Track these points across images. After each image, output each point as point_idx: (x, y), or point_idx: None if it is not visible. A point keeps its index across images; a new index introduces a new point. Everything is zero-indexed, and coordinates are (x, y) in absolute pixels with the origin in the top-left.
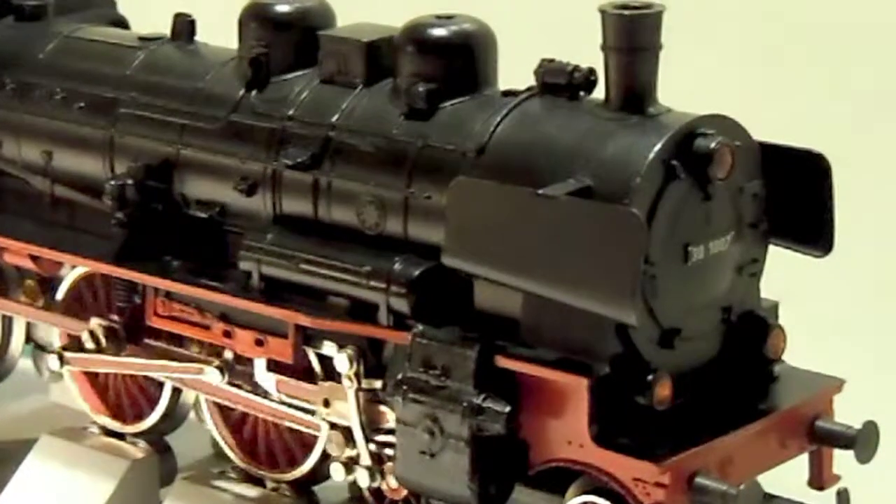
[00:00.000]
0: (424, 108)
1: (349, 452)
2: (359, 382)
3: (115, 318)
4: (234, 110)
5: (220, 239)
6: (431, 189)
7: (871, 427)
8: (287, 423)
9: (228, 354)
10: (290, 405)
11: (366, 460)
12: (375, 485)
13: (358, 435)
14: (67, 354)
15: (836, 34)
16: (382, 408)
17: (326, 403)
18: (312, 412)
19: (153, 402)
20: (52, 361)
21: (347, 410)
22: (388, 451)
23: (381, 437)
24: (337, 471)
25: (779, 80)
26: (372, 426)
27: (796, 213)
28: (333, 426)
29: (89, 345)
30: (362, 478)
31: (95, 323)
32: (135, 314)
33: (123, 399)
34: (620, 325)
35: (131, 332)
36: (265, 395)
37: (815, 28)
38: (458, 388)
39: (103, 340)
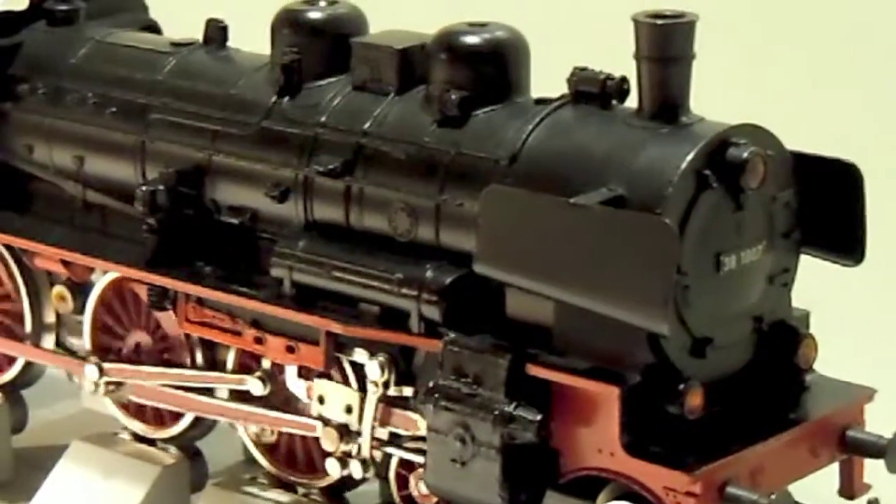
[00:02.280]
0: (457, 115)
1: (343, 447)
2: (386, 389)
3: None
4: (266, 116)
5: (252, 245)
6: (463, 197)
7: None
8: (283, 429)
9: (267, 364)
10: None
11: (366, 453)
12: (369, 475)
13: (366, 441)
14: (107, 366)
15: (870, 45)
16: (413, 415)
17: (321, 400)
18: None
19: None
20: (90, 372)
21: (343, 406)
22: (419, 458)
23: (412, 444)
24: (332, 466)
25: (812, 89)
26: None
27: (828, 222)
28: (327, 423)
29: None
30: (356, 470)
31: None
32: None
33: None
34: (652, 335)
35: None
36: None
37: (848, 39)
38: (489, 396)
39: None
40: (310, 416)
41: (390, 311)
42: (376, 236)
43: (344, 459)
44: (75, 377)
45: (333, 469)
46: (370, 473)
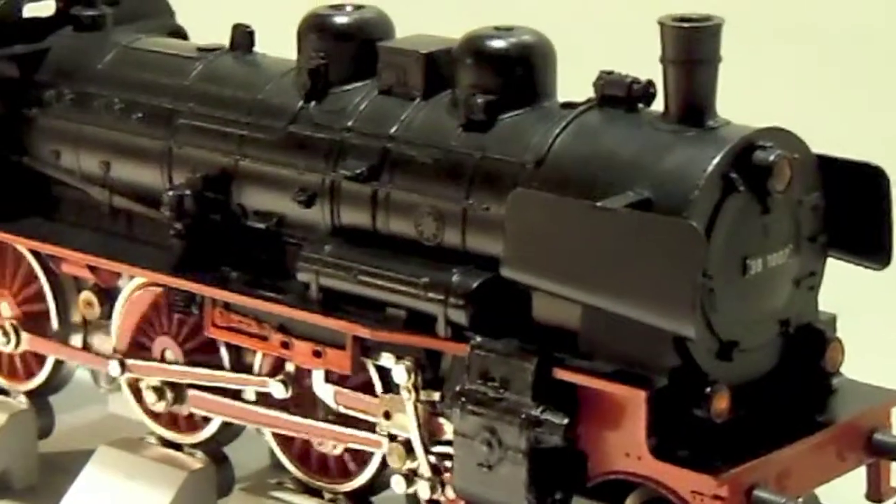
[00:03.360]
0: (483, 119)
1: (409, 465)
2: (417, 394)
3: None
4: (292, 121)
5: (279, 250)
6: (490, 201)
7: None
8: (349, 445)
9: (290, 367)
10: (347, 420)
11: (426, 472)
12: (435, 497)
13: (418, 447)
14: (129, 361)
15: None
16: (440, 419)
17: (387, 416)
18: (371, 426)
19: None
20: (112, 368)
21: (406, 422)
22: (447, 463)
23: (439, 449)
24: (398, 483)
25: (838, 92)
26: (431, 438)
27: (854, 225)
28: (393, 438)
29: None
30: (423, 490)
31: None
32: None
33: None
34: (679, 338)
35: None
36: (324, 419)
37: (876, 42)
38: (516, 399)
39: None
40: (370, 430)
41: (417, 315)
42: (403, 240)
43: (410, 477)
44: (102, 383)
45: (399, 486)
46: (438, 494)
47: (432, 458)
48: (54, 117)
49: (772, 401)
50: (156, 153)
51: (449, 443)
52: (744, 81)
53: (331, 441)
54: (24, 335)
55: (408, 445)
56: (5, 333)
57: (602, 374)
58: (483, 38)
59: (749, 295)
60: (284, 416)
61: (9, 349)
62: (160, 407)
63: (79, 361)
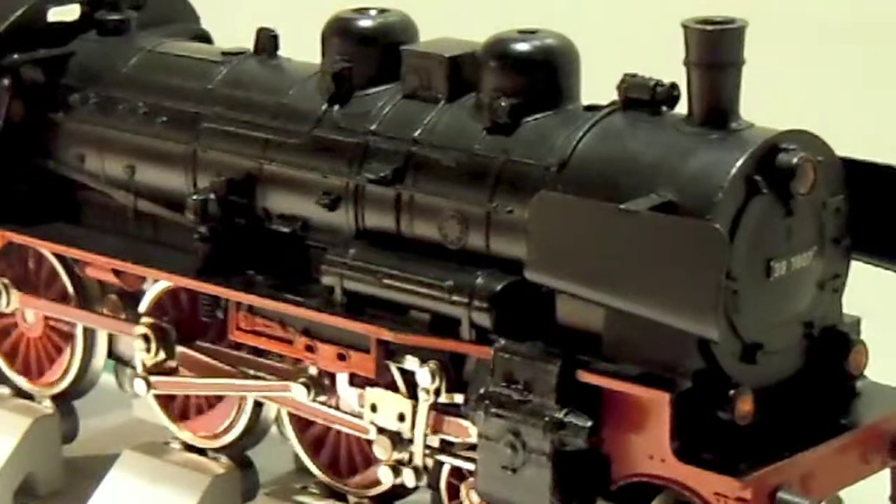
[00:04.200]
0: (507, 122)
1: (396, 455)
2: (437, 396)
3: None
4: (316, 125)
5: (303, 253)
6: (514, 203)
7: None
8: (340, 428)
9: (313, 370)
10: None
11: (419, 462)
12: (420, 484)
13: (419, 442)
14: (153, 378)
15: None
16: (464, 422)
17: (374, 408)
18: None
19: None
20: (138, 386)
21: (395, 414)
22: (470, 466)
23: (463, 452)
24: (385, 474)
25: (862, 94)
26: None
27: (878, 228)
28: (381, 430)
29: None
30: (409, 478)
31: (145, 323)
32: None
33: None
34: (702, 341)
35: (184, 335)
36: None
37: None
38: (540, 402)
39: (154, 343)
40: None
41: (441, 318)
42: (427, 244)
43: (396, 468)
44: (126, 387)
45: (386, 477)
46: (423, 482)
47: (455, 461)
48: (79, 121)
49: (795, 403)
50: (180, 157)
51: (472, 446)
52: (767, 84)
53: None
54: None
55: (394, 437)
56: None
57: (626, 377)
58: (507, 41)
59: (773, 297)
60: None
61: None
62: (147, 358)
63: (103, 327)
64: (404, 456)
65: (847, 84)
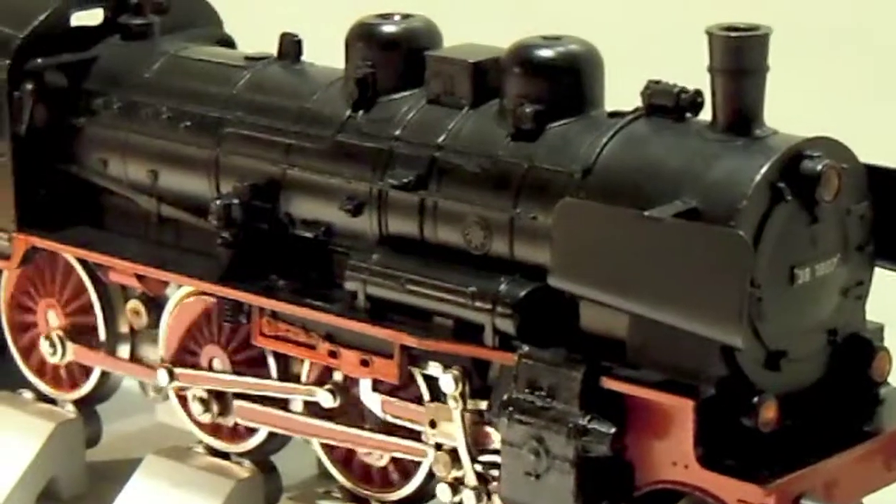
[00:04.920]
0: (531, 129)
1: (455, 473)
2: (464, 403)
3: None
4: (340, 130)
5: (326, 259)
6: (537, 210)
7: None
8: (394, 454)
9: (338, 377)
10: (393, 429)
11: (472, 481)
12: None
13: (464, 455)
14: (177, 370)
15: None
16: (488, 428)
17: (433, 424)
18: (417, 435)
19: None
20: (160, 377)
21: (453, 431)
22: (494, 472)
23: (486, 458)
24: (443, 492)
25: (886, 101)
26: (477, 446)
27: None
28: (439, 447)
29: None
30: (469, 499)
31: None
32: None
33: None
34: (726, 347)
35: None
36: (369, 428)
37: None
38: (563, 409)
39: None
40: (416, 440)
41: (464, 324)
42: (450, 250)
43: (455, 485)
44: (150, 392)
45: (444, 494)
46: (484, 502)
47: (479, 468)
48: (102, 126)
49: (819, 410)
50: (203, 162)
51: (496, 451)
52: (792, 90)
53: (377, 451)
54: (70, 345)
55: (453, 454)
56: (52, 344)
57: (650, 384)
58: (531, 47)
59: (797, 304)
60: (330, 425)
61: (55, 360)
62: (206, 418)
63: (125, 373)
64: (462, 473)
65: (871, 91)
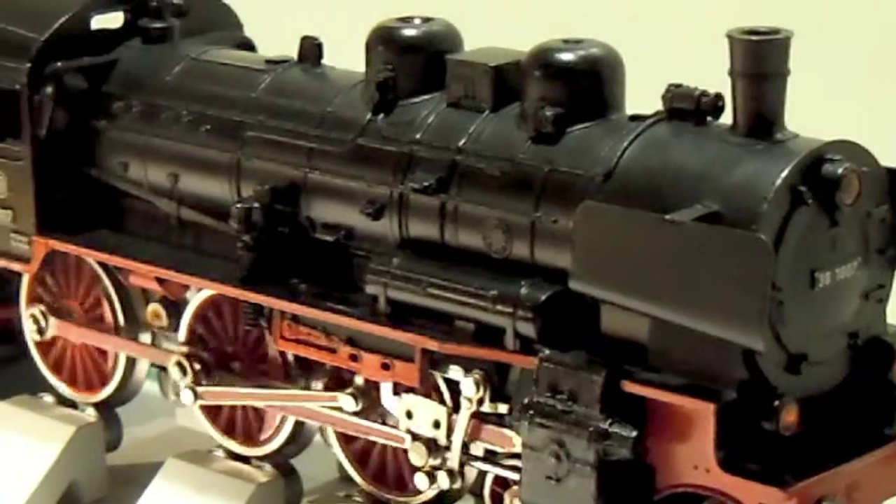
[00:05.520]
0: (551, 132)
1: (432, 461)
2: (480, 406)
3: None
4: (361, 134)
5: (347, 262)
6: (558, 213)
7: None
8: (371, 438)
9: (359, 380)
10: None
11: (453, 464)
12: (455, 486)
13: (456, 451)
14: (200, 389)
15: None
16: (508, 432)
17: (409, 415)
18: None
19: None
20: (185, 396)
21: (430, 420)
22: (514, 476)
23: (509, 461)
24: (421, 480)
25: None
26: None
27: None
28: (416, 437)
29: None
30: (443, 480)
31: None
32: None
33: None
34: (747, 351)
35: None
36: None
37: None
38: (584, 412)
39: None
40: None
41: (485, 327)
42: (471, 253)
43: (432, 473)
44: (170, 395)
45: (422, 483)
46: (458, 484)
47: (499, 471)
48: (122, 129)
49: (840, 413)
50: (224, 165)
51: (516, 455)
52: (812, 94)
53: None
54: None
55: (429, 444)
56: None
57: (671, 387)
58: (552, 50)
59: (817, 308)
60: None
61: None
62: (186, 381)
63: (142, 355)
64: (439, 462)
65: (893, 94)
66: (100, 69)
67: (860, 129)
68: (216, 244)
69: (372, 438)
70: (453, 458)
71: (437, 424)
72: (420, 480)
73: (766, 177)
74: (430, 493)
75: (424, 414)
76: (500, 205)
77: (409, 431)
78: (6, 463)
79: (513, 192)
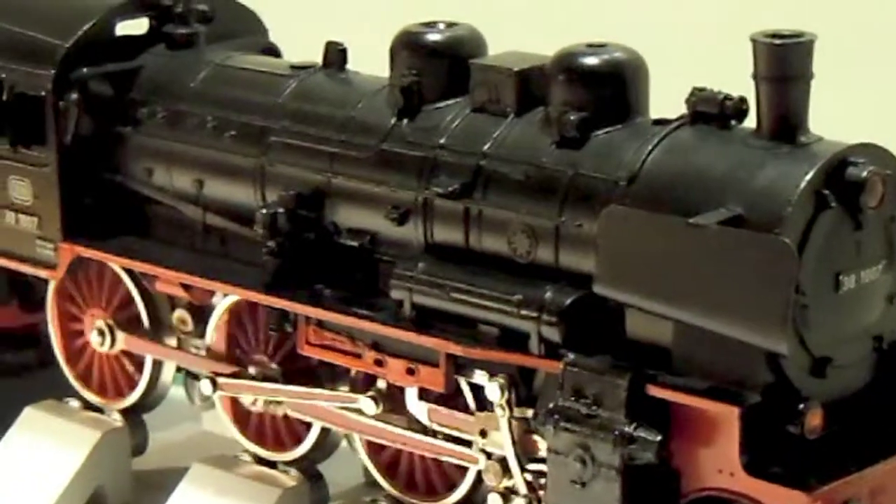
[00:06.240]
0: (576, 136)
1: (506, 482)
2: (510, 411)
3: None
4: (385, 139)
5: (372, 267)
6: (583, 217)
7: None
8: (443, 458)
9: (381, 384)
10: (444, 436)
11: (522, 489)
12: None
13: (513, 464)
14: (221, 380)
15: None
16: (534, 436)
17: (483, 433)
18: (468, 443)
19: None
20: (204, 386)
21: (501, 439)
22: (541, 480)
23: (534, 466)
24: (495, 501)
25: None
26: (526, 455)
27: None
28: (489, 456)
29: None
30: None
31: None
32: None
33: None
34: (771, 355)
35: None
36: (420, 430)
37: None
38: (609, 416)
39: None
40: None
41: (510, 332)
42: (496, 258)
43: (506, 495)
44: (196, 400)
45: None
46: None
47: (528, 476)
48: (147, 135)
49: (865, 417)
50: (249, 171)
51: (542, 460)
52: (836, 97)
53: (425, 454)
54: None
55: (504, 463)
56: (101, 333)
57: (695, 391)
58: (575, 55)
59: (842, 311)
60: (380, 424)
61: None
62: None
63: (174, 360)
64: (513, 482)
65: None
66: (125, 75)
67: (884, 133)
68: (241, 250)
69: (443, 458)
70: (515, 473)
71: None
72: (494, 502)
73: (790, 180)
74: (456, 497)
75: (499, 433)
76: (524, 209)
77: (482, 450)
78: (33, 468)
79: (537, 196)
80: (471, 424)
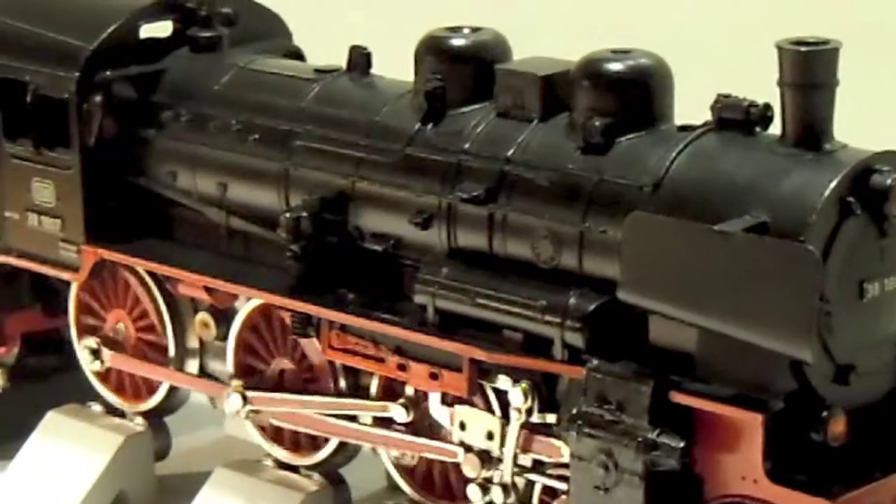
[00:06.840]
0: (600, 142)
1: (485, 473)
2: (529, 416)
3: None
4: (409, 143)
5: (395, 272)
6: (607, 223)
7: None
8: (425, 454)
9: (410, 391)
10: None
11: (507, 479)
12: (509, 501)
13: (508, 463)
14: (250, 394)
15: None
16: (556, 442)
17: (462, 426)
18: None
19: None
20: (233, 401)
21: (482, 430)
22: (562, 486)
23: (555, 471)
24: (474, 492)
25: None
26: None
27: None
28: (469, 449)
29: None
30: (497, 495)
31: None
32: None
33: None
34: (795, 362)
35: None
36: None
37: None
38: (632, 422)
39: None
40: (451, 443)
41: (534, 337)
42: (519, 263)
43: (485, 486)
44: (218, 404)
45: (475, 495)
46: (511, 499)
47: (547, 481)
48: (171, 138)
49: (888, 424)
50: (273, 175)
51: (564, 465)
52: (861, 104)
53: (409, 451)
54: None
55: (482, 455)
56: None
57: (719, 398)
58: (600, 60)
59: (866, 318)
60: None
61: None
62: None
63: (193, 388)
64: (493, 474)
65: None
66: (148, 78)
67: None
68: (265, 253)
69: (425, 455)
70: (506, 471)
71: (490, 436)
72: (473, 492)
73: (815, 188)
74: (477, 502)
75: (478, 425)
76: (548, 215)
77: (461, 443)
78: (55, 472)
79: (561, 202)
80: (452, 417)
